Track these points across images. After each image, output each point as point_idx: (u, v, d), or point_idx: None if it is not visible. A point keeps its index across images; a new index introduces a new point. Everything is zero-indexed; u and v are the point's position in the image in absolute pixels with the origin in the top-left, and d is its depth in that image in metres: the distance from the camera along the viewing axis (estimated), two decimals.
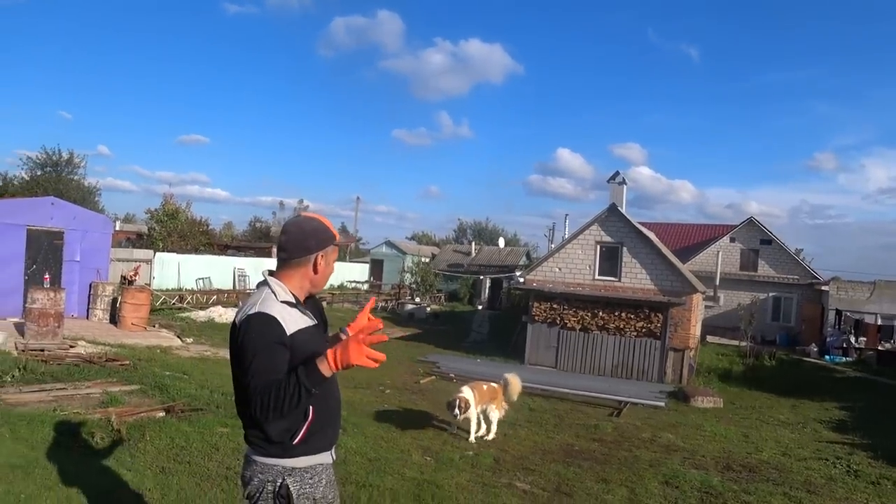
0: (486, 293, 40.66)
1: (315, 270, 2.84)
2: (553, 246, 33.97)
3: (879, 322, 28.40)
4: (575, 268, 21.45)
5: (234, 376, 2.67)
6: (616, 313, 18.52)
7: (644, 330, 18.35)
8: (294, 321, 2.68)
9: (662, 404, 14.44)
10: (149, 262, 30.44)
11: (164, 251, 34.14)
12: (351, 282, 45.31)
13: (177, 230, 39.90)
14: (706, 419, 13.30)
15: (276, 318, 2.61)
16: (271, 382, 2.46)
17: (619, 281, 20.80)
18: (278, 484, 2.67)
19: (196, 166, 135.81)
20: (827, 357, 27.22)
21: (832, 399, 17.43)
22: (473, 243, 49.87)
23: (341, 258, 59.50)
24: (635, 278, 20.72)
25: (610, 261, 21.10)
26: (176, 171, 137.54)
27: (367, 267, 51.24)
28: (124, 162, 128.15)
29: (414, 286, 38.19)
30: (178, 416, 8.20)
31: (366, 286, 45.11)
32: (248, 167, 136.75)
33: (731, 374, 20.46)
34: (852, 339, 27.95)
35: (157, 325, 18.08)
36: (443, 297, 40.20)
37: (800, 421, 14.13)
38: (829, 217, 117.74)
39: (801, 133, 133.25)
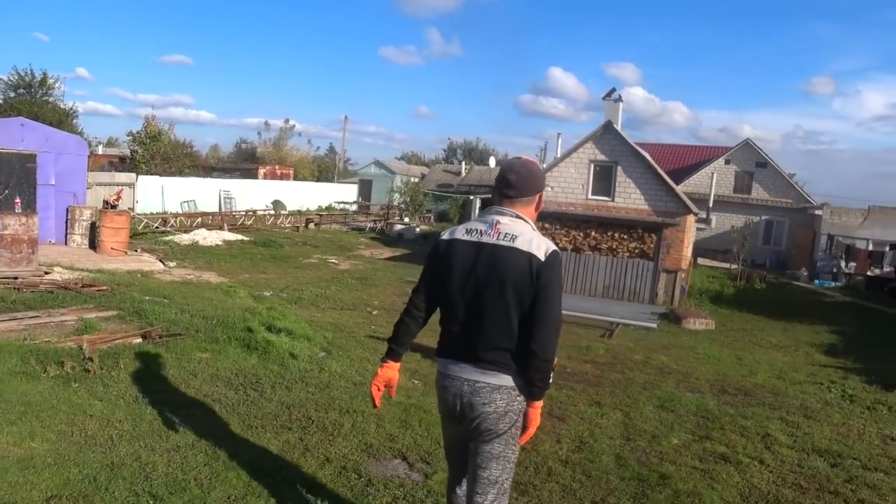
0: (476, 214, 40.26)
1: (537, 208, 3.09)
2: (545, 165, 33.42)
3: (870, 248, 28.24)
4: (567, 187, 21.03)
5: (498, 298, 2.85)
6: (609, 233, 18.19)
7: (637, 251, 18.07)
8: None
9: (654, 326, 14.27)
10: (131, 185, 29.79)
11: (147, 174, 33.38)
12: (339, 202, 44.75)
13: (160, 153, 39.03)
14: (698, 341, 13.14)
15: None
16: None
17: (613, 201, 20.46)
18: (524, 404, 2.95)
19: (180, 88, 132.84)
20: (816, 281, 27.26)
21: (822, 322, 17.34)
22: (464, 163, 49.11)
23: (328, 179, 58.80)
24: (629, 198, 20.36)
25: (604, 180, 20.70)
26: (159, 93, 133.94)
27: (355, 187, 50.64)
28: (105, 85, 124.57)
29: (403, 206, 37.68)
30: (155, 342, 7.85)
31: (354, 206, 44.58)
32: (233, 88, 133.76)
33: (722, 297, 20.35)
34: (842, 265, 27.88)
35: (139, 250, 17.67)
36: (432, 217, 39.80)
37: (791, 344, 14.02)
38: (821, 143, 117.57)
39: (800, 56, 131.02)
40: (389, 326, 10.53)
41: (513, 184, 2.98)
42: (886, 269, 25.95)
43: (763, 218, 33.14)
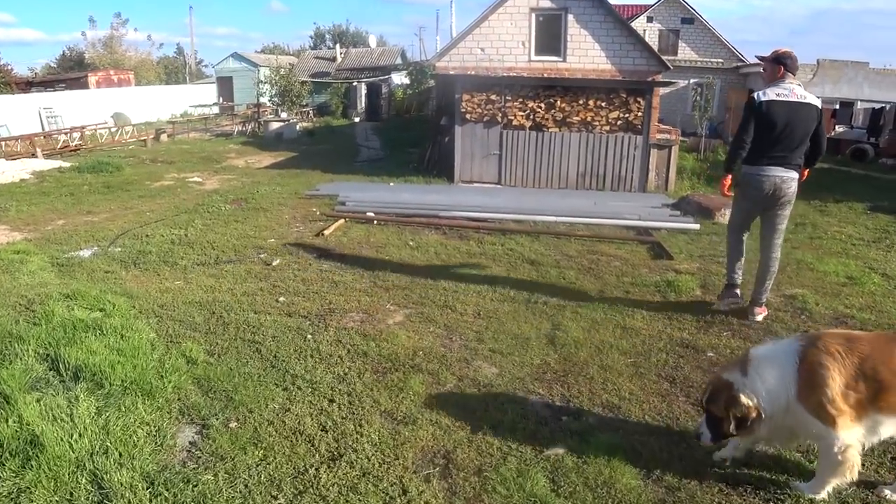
0: (362, 102, 34.29)
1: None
2: (450, 40, 27.88)
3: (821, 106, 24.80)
4: (503, 47, 15.75)
5: (802, 132, 5.22)
6: (581, 101, 13.21)
7: (620, 122, 13.26)
8: None
9: (697, 226, 9.72)
10: None
11: None
12: (196, 106, 37.18)
13: None
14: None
15: None
16: None
17: (564, 61, 15.47)
18: None
19: None
20: None
21: (844, 197, 13.45)
22: (338, 47, 42.27)
23: (180, 81, 50.34)
24: (586, 56, 15.43)
25: (551, 34, 15.56)
26: None
27: (214, 87, 42.90)
28: None
29: (277, 101, 31.09)
30: None
31: (216, 109, 37.26)
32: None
33: (706, 176, 16.06)
34: None
35: None
36: (311, 111, 33.44)
37: (877, 236, 9.88)
38: None
39: None
40: (309, 292, 6.14)
41: (791, 66, 5.26)
42: (857, 128, 22.66)
43: (691, 81, 29.12)
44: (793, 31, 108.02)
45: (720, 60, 29.33)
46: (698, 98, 20.51)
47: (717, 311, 5.69)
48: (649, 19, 30.16)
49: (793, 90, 5.14)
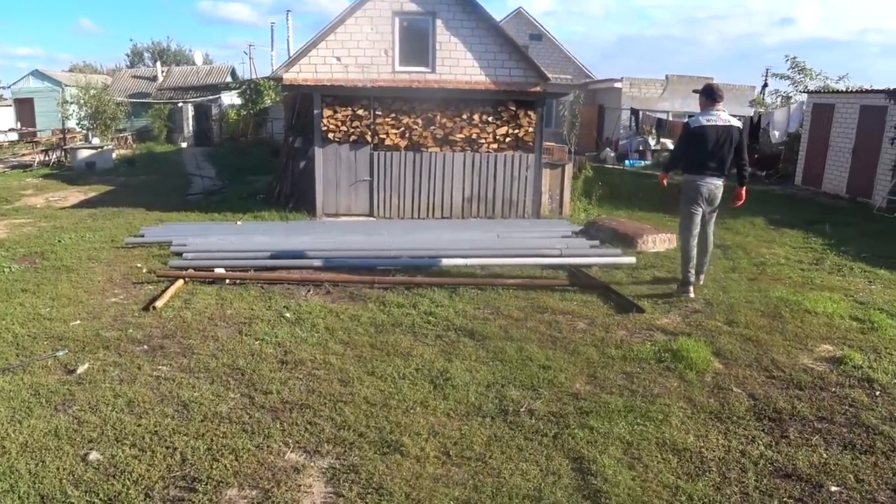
0: (190, 125, 30.79)
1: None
2: (284, 58, 25.39)
3: (671, 119, 24.78)
4: (363, 55, 13.69)
5: (728, 149, 6.42)
6: (465, 116, 11.31)
7: (509, 139, 11.51)
8: None
9: (633, 260, 8.05)
10: None
11: None
12: None
13: None
14: (728, 280, 7.26)
15: None
16: None
17: (434, 72, 13.73)
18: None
19: None
20: (627, 162, 23.33)
21: (736, 211, 12.48)
22: (158, 64, 38.17)
23: None
24: (457, 66, 13.78)
25: (417, 42, 13.75)
26: None
27: (10, 111, 37.28)
28: None
29: (87, 125, 26.89)
30: None
31: (12, 135, 32.09)
32: None
33: (591, 194, 14.73)
34: (651, 141, 24.20)
35: None
36: (130, 136, 29.45)
37: (812, 257, 8.83)
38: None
39: None
40: (143, 434, 3.83)
41: (720, 95, 6.55)
42: None
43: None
44: (604, 54, 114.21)
45: (569, 77, 28.87)
46: (566, 113, 19.43)
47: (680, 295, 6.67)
48: None
49: (719, 115, 6.45)
